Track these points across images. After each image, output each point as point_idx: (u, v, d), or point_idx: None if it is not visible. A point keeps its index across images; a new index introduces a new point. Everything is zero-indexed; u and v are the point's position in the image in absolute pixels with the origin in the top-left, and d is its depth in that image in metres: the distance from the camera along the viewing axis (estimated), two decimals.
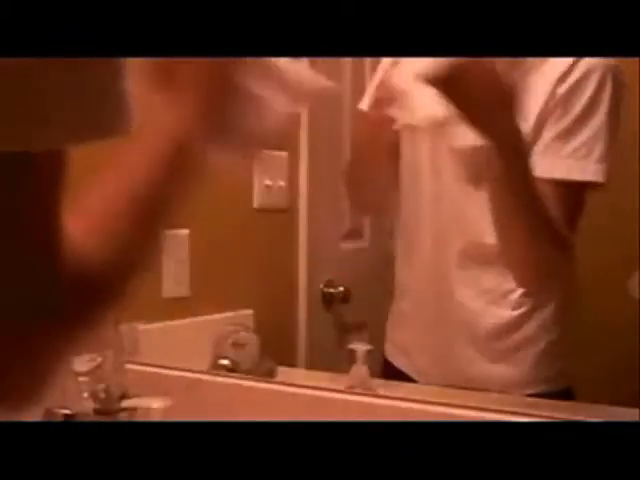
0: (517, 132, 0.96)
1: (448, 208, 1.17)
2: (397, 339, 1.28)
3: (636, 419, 0.84)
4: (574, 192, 1.07)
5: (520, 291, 1.14)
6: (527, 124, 1.03)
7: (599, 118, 1.06)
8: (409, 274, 1.27)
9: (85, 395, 0.98)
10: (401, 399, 0.98)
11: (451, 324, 1.19)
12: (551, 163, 1.05)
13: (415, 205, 1.23)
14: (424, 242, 1.21)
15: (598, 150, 1.06)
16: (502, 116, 0.93)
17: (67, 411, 0.97)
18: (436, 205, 1.19)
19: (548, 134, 1.06)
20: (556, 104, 1.06)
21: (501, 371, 1.18)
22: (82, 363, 0.99)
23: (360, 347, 1.10)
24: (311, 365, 1.58)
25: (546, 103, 1.06)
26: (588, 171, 1.05)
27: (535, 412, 0.92)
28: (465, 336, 1.18)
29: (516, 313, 1.16)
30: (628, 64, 1.14)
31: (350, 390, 1.05)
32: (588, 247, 1.34)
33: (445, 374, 1.19)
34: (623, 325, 1.24)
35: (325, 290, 1.60)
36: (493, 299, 1.17)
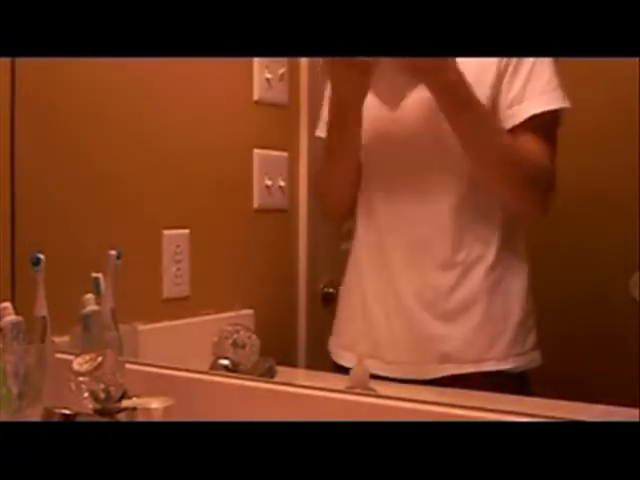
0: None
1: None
2: (351, 336, 1.29)
3: (636, 419, 0.84)
4: (547, 125, 1.16)
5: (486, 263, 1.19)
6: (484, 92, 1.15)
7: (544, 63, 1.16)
8: (366, 271, 1.28)
9: (85, 395, 0.98)
10: (401, 399, 0.98)
11: (418, 303, 1.20)
12: (521, 108, 1.15)
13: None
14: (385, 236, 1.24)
15: (555, 85, 1.16)
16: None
17: (67, 411, 0.97)
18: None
19: (507, 94, 1.16)
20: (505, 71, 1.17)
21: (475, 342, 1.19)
22: (82, 363, 0.99)
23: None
24: (311, 365, 1.58)
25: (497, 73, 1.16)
26: (556, 100, 1.16)
27: (535, 412, 0.91)
28: (433, 313, 1.19)
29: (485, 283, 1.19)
30: (628, 64, 1.14)
31: (350, 390, 1.05)
32: (588, 247, 1.34)
33: (419, 357, 1.19)
34: (623, 325, 1.24)
35: (325, 290, 1.60)
36: (461, 271, 1.19)
